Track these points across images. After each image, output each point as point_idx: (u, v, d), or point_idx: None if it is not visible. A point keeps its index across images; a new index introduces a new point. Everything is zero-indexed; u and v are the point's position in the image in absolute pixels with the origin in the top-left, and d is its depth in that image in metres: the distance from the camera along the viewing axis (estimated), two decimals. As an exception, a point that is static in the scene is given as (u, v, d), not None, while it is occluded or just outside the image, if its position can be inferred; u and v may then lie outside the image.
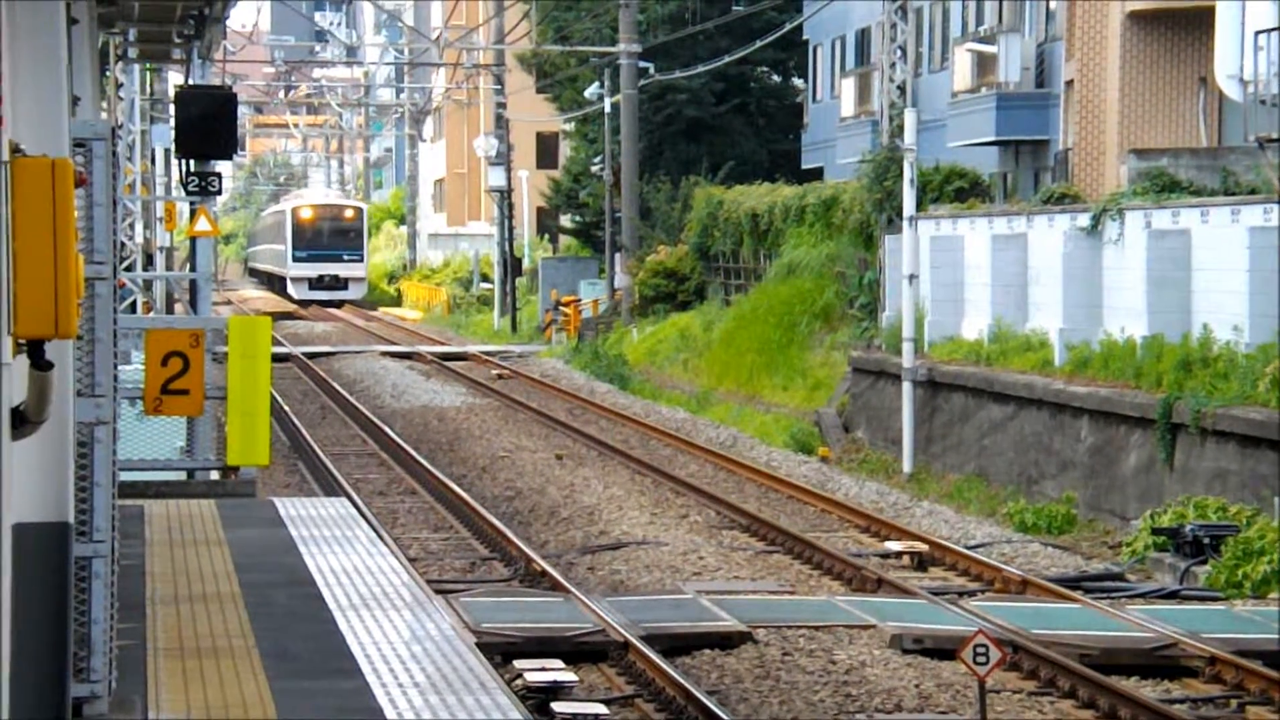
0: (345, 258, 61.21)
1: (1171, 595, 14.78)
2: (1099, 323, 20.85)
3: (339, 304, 59.75)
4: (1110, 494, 18.71)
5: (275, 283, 67.86)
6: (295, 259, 61.40)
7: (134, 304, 24.03)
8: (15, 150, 5.10)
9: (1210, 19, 21.07)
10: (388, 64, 71.34)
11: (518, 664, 11.44)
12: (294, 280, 61.57)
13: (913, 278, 23.43)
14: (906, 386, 23.06)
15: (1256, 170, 21.33)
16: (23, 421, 5.35)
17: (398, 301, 63.46)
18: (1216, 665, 11.85)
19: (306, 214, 62.10)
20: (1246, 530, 15.36)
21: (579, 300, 42.81)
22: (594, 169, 45.30)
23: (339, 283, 61.08)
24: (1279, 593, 14.53)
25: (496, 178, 49.44)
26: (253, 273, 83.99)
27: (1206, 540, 15.40)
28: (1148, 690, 11.57)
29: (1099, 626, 12.79)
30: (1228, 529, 15.51)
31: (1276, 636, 12.51)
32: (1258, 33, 17.02)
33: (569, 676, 11.17)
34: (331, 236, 61.25)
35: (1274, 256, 17.20)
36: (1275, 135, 15.32)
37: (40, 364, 5.28)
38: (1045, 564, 16.25)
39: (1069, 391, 19.84)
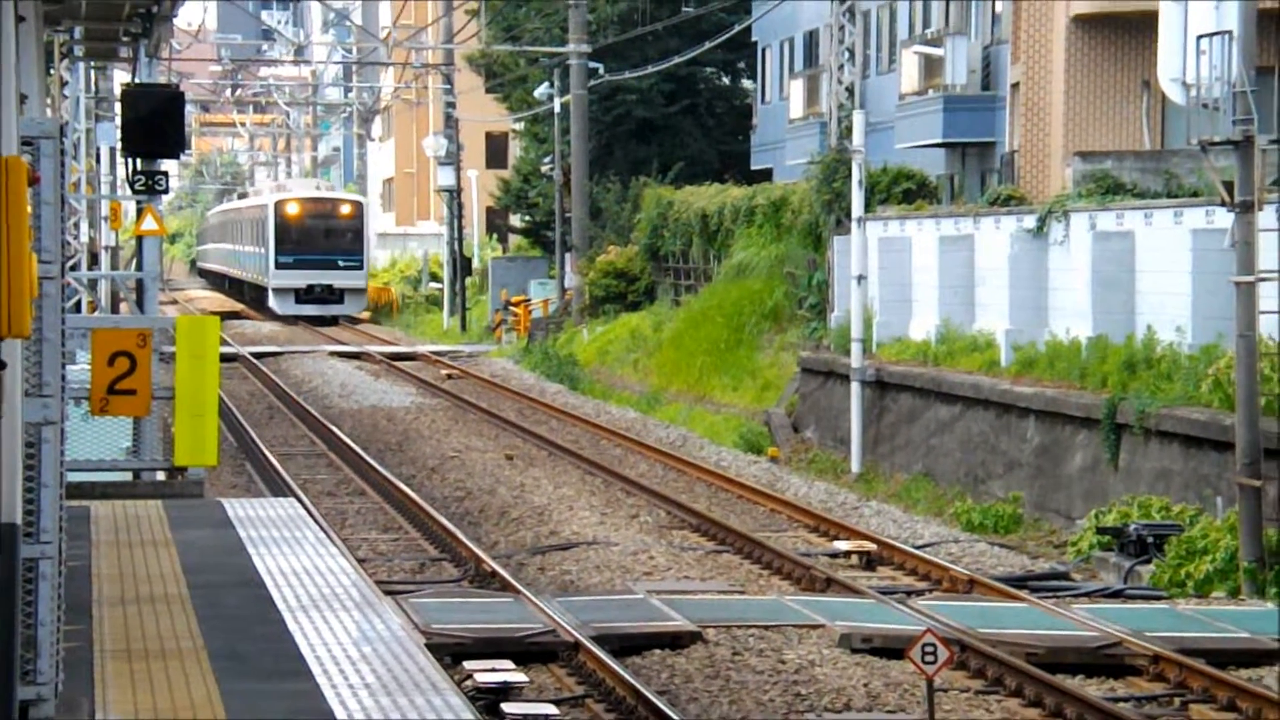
0: (341, 264, 49.98)
1: (1116, 594, 14.92)
2: (1045, 324, 21.02)
3: (333, 320, 49.60)
4: (1056, 494, 18.88)
5: (249, 292, 56.87)
6: (279, 265, 50.25)
7: (79, 303, 23.84)
8: (-36, 150, 5.07)
9: (1153, 22, 21.29)
10: (336, 63, 71.07)
11: (467, 665, 11.43)
12: (277, 292, 50.45)
13: (861, 279, 23.55)
14: (855, 387, 23.18)
15: (1199, 173, 21.58)
16: (-29, 422, 5.31)
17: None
18: (1160, 664, 11.97)
19: (293, 209, 51.01)
20: (1189, 529, 15.54)
21: (529, 300, 42.76)
22: (544, 169, 45.27)
23: (333, 295, 50.03)
24: (1221, 592, 14.71)
25: (446, 177, 49.32)
26: (203, 274, 77.85)
27: (1150, 539, 15.56)
28: (1092, 689, 11.69)
29: (1045, 625, 12.91)
30: (1171, 528, 15.68)
31: (1225, 635, 12.66)
32: (1200, 36, 17.21)
33: (519, 677, 11.18)
34: (324, 237, 50.33)
35: (1216, 259, 17.41)
36: (1217, 138, 15.50)
37: (-10, 364, 5.25)
38: (992, 563, 16.38)
39: (1015, 392, 20.00)
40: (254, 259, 54.03)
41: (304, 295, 50.11)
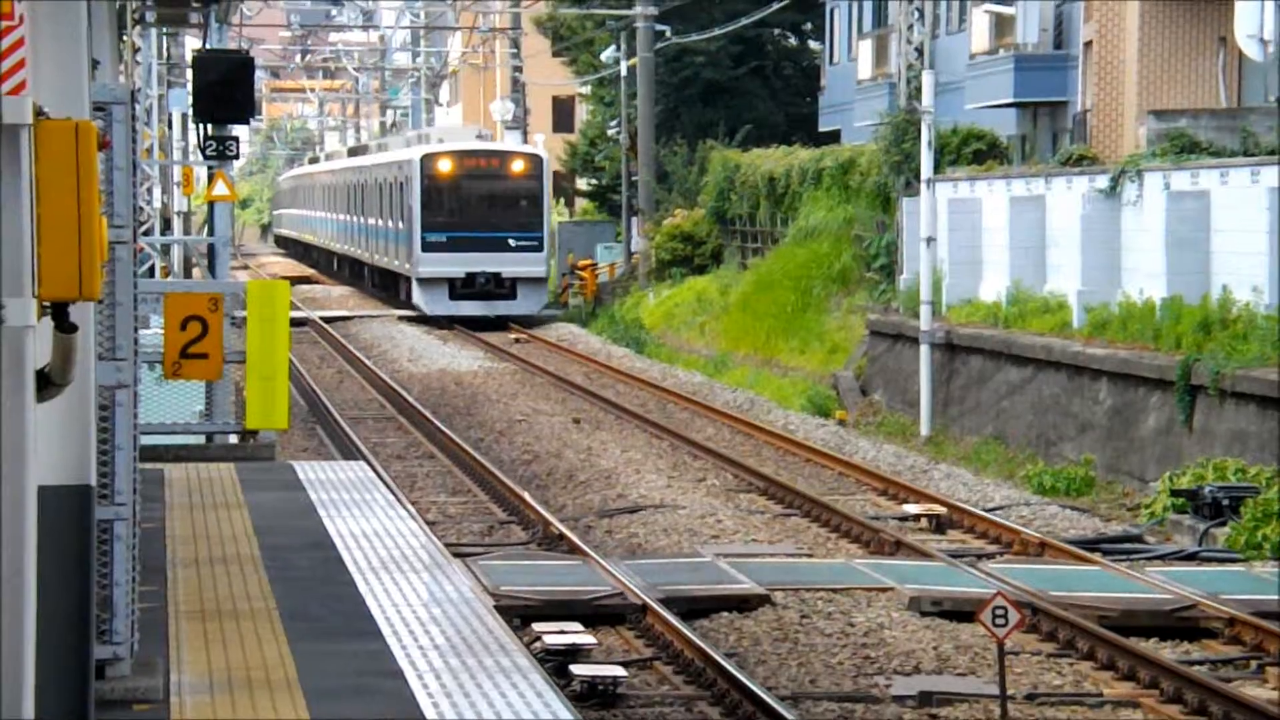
0: (513, 244, 35.94)
1: (1190, 557, 14.77)
2: (1117, 285, 20.78)
3: (500, 323, 35.81)
4: (1129, 456, 18.69)
5: (374, 278, 42.68)
6: (427, 245, 36.01)
7: (152, 269, 24.12)
8: (39, 113, 5.11)
9: (1231, -22, 20.91)
10: (404, 28, 71.19)
11: (536, 627, 11.48)
12: (425, 283, 36.24)
13: (930, 240, 23.36)
14: (924, 349, 23.03)
15: (1277, 130, 21.21)
16: (47, 384, 5.37)
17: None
18: (1236, 626, 11.85)
19: (447, 166, 36.35)
20: (1266, 491, 15.34)
21: (595, 264, 42.79)
22: (610, 133, 45.20)
23: (502, 287, 36.06)
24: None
25: (513, 142, 49.46)
26: (279, 241, 70.27)
27: (1225, 502, 15.38)
28: (1166, 652, 11.58)
29: (1117, 588, 12.79)
30: (1247, 490, 15.48)
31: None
32: (1279, -8, 16.89)
33: (588, 639, 11.21)
34: (490, 207, 36.33)
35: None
36: (1296, 95, 15.24)
37: (65, 326, 5.30)
38: (1063, 526, 16.25)
39: (1087, 354, 19.80)
40: (385, 236, 39.53)
41: (463, 286, 36.07)
